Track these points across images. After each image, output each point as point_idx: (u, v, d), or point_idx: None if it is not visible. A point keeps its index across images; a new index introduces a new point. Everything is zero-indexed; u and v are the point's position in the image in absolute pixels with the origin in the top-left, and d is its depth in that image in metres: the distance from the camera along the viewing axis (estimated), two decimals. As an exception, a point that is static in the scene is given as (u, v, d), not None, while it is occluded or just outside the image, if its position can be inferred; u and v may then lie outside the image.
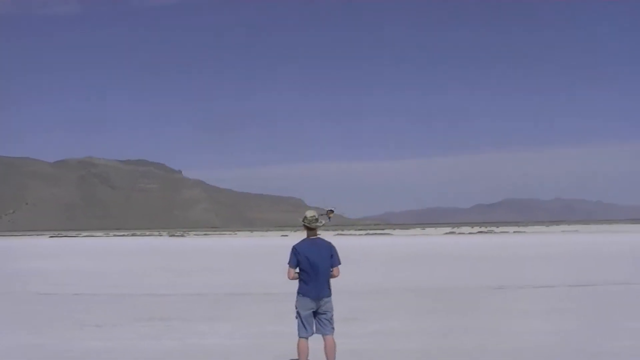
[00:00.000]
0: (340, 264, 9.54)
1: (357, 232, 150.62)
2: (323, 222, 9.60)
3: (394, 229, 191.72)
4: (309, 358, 9.77)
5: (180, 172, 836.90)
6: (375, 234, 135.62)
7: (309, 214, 9.53)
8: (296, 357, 9.54)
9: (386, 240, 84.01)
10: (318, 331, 9.42)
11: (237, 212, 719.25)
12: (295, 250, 9.37)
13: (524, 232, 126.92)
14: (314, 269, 9.26)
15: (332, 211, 25.95)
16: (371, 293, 21.13)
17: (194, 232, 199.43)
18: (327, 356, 9.36)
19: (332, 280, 9.58)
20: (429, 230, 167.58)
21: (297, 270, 9.37)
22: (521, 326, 13.73)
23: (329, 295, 9.43)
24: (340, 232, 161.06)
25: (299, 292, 9.39)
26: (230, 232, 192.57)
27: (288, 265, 9.39)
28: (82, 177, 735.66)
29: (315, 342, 9.59)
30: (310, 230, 9.49)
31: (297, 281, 9.45)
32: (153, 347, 12.23)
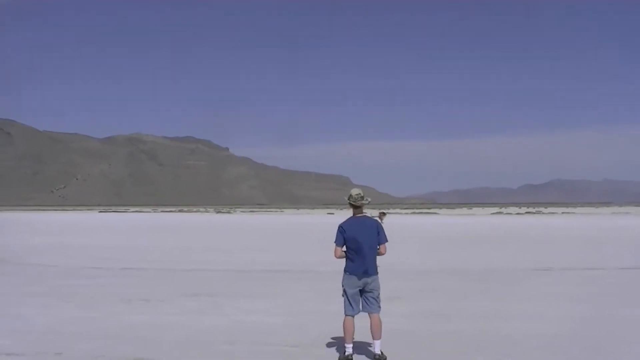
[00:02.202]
0: (387, 241, 9.49)
1: (403, 211, 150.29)
2: (369, 199, 9.55)
3: (440, 208, 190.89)
4: (354, 336, 9.79)
5: (227, 149, 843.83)
6: (421, 212, 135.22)
7: (354, 192, 9.47)
8: (342, 335, 9.54)
9: (432, 220, 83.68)
10: (364, 309, 9.38)
11: (283, 189, 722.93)
12: (341, 229, 9.33)
13: (573, 213, 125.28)
14: (360, 247, 9.22)
15: (384, 214, 25.99)
16: (413, 273, 21.05)
17: (241, 209, 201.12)
18: (372, 334, 9.33)
19: (378, 258, 9.55)
20: (475, 210, 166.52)
21: (344, 248, 9.34)
22: (563, 310, 13.49)
23: (376, 273, 9.38)
24: (385, 210, 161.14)
25: (345, 270, 9.36)
26: (276, 209, 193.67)
27: (335, 243, 9.35)
28: (130, 154, 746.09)
29: (361, 320, 9.58)
30: (356, 208, 9.44)
31: (343, 260, 9.42)
32: (197, 323, 12.33)
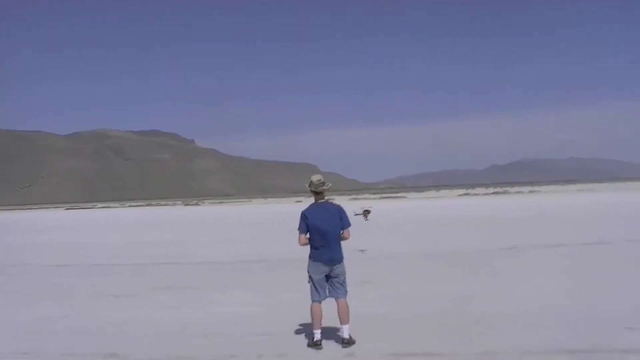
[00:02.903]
0: (350, 225, 9.64)
1: (372, 196, 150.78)
2: (329, 184, 9.67)
3: (409, 192, 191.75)
4: (322, 321, 9.95)
5: (193, 141, 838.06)
6: (390, 197, 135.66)
7: (315, 178, 9.59)
8: (310, 322, 9.70)
9: (400, 204, 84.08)
10: (331, 294, 9.56)
11: (251, 180, 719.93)
12: (304, 216, 9.46)
13: (539, 191, 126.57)
14: (323, 233, 9.35)
15: (368, 211, 25.65)
16: (383, 257, 21.25)
17: (209, 201, 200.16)
18: (340, 319, 9.50)
19: (344, 243, 9.70)
20: (443, 192, 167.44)
21: (308, 235, 9.47)
22: (531, 288, 13.78)
23: (341, 259, 9.54)
24: (354, 196, 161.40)
25: (310, 257, 9.51)
26: (245, 200, 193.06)
27: (298, 231, 9.49)
28: (96, 150, 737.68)
29: (329, 306, 9.74)
30: (318, 194, 9.58)
31: (308, 247, 9.57)
32: (170, 316, 12.41)
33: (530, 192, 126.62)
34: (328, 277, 9.51)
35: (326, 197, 9.73)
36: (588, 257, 18.91)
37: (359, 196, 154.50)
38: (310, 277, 9.52)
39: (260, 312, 12.43)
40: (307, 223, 9.42)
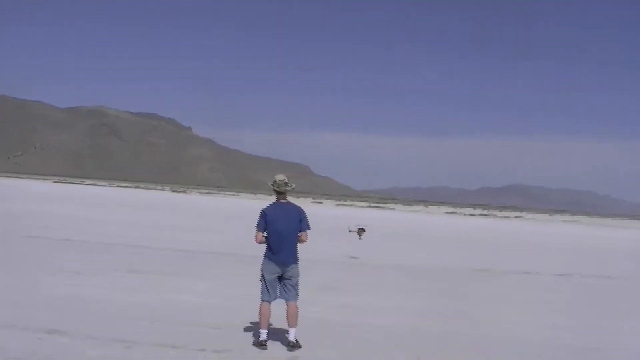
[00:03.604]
0: (309, 229, 9.50)
1: (359, 204, 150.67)
2: (293, 185, 9.57)
3: (397, 204, 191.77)
4: (272, 322, 9.84)
5: (190, 129, 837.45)
6: (377, 207, 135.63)
7: (278, 177, 9.49)
8: (257, 321, 9.60)
9: (386, 215, 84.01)
10: (282, 296, 9.44)
11: (243, 173, 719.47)
12: (263, 214, 9.35)
13: (525, 218, 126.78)
14: (280, 233, 9.24)
15: (363, 230, 25.68)
16: (353, 265, 21.18)
17: (197, 190, 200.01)
18: (288, 322, 9.36)
19: (305, 247, 9.61)
20: (431, 208, 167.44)
21: (265, 233, 9.37)
22: (494, 313, 13.70)
23: (296, 261, 9.41)
24: (342, 202, 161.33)
25: (265, 256, 9.39)
26: (233, 193, 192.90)
27: (256, 228, 9.38)
28: (92, 126, 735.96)
29: (281, 307, 9.63)
30: (280, 194, 9.47)
31: (264, 245, 9.46)
32: (126, 298, 12.28)
33: (517, 217, 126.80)
34: (281, 279, 9.39)
35: (288, 198, 9.63)
36: (552, 289, 18.84)
37: (345, 202, 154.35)
38: (262, 275, 9.40)
39: (215, 304, 12.31)
40: (265, 221, 9.32)
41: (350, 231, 25.39)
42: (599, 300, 17.04)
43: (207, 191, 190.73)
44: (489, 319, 12.77)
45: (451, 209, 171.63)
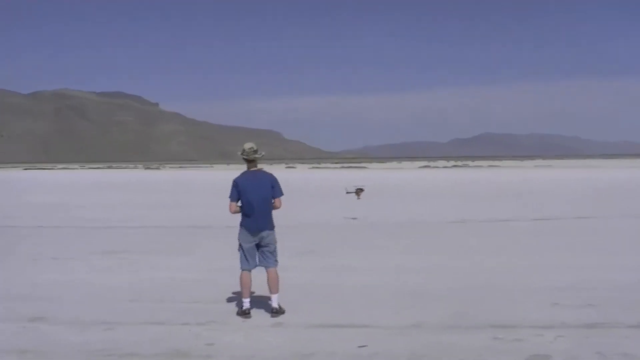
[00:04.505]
0: (282, 195, 9.50)
1: (333, 166, 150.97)
2: (262, 153, 9.50)
3: (371, 162, 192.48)
4: (254, 291, 9.83)
5: (157, 104, 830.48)
6: (351, 167, 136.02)
7: (247, 146, 9.40)
8: (238, 290, 9.60)
9: (359, 174, 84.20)
10: (261, 263, 9.44)
11: (214, 145, 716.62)
12: (235, 184, 9.31)
13: (498, 166, 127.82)
14: (253, 201, 9.22)
15: (362, 190, 25.64)
16: (333, 227, 21.24)
17: (170, 165, 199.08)
18: (270, 289, 9.38)
19: (280, 212, 9.62)
20: (405, 164, 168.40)
21: (239, 203, 9.33)
22: (470, 263, 13.78)
23: (271, 228, 9.40)
24: (316, 165, 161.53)
25: (241, 225, 9.38)
26: (206, 165, 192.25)
27: (229, 198, 9.34)
28: (57, 110, 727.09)
29: (262, 275, 9.61)
30: (250, 162, 9.40)
31: (239, 215, 9.42)
32: (105, 280, 12.17)
33: (490, 166, 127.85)
34: (258, 246, 9.38)
35: (259, 166, 9.55)
36: (532, 233, 19.03)
37: (319, 165, 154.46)
38: (240, 245, 9.38)
39: (195, 279, 12.25)
40: (238, 190, 9.27)
41: (347, 192, 25.37)
42: (575, 239, 17.20)
43: (179, 166, 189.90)
44: (468, 270, 12.84)
45: (425, 163, 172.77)
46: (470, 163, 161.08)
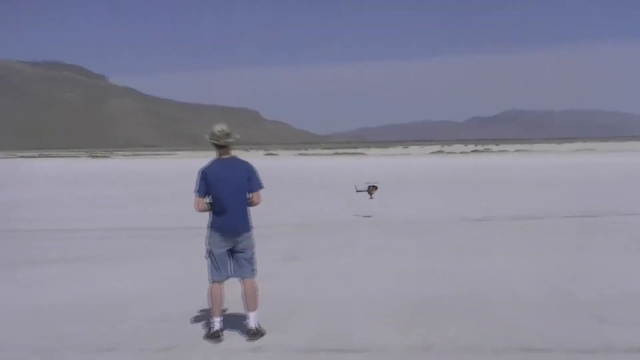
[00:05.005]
0: (262, 187, 9.38)
1: (323, 152, 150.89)
2: (237, 137, 9.37)
3: (370, 148, 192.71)
4: (226, 307, 9.75)
5: (105, 77, 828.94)
6: (345, 153, 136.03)
7: (217, 128, 9.26)
8: (208, 307, 9.52)
9: (357, 162, 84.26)
10: (236, 274, 9.35)
11: (180, 127, 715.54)
12: (203, 174, 9.17)
13: (528, 150, 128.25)
14: (226, 196, 9.11)
15: (375, 187, 26.06)
16: (323, 227, 21.30)
17: (122, 153, 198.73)
18: (246, 304, 9.28)
19: (261, 210, 9.59)
20: (413, 149, 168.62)
21: (208, 199, 9.22)
22: (496, 268, 13.75)
23: (248, 229, 9.31)
24: (303, 151, 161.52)
25: (210, 226, 9.26)
26: (169, 152, 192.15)
27: (195, 193, 9.19)
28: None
29: (234, 287, 9.56)
30: (221, 148, 9.28)
31: (208, 213, 9.32)
32: (46, 297, 12.03)
33: (518, 151, 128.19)
34: (232, 252, 9.29)
35: (233, 153, 9.45)
36: (570, 233, 19.02)
37: (307, 151, 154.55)
38: (209, 251, 9.27)
39: (155, 292, 12.19)
40: (206, 183, 9.15)
41: (358, 191, 25.58)
42: (626, 239, 17.18)
43: (134, 153, 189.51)
44: (490, 278, 12.80)
45: (437, 147, 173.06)
46: (493, 147, 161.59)
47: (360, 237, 18.80)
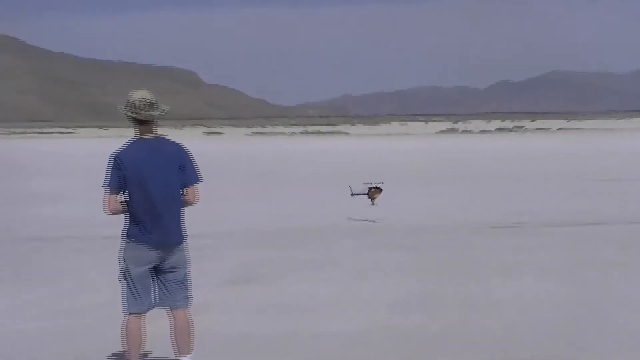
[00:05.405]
0: (199, 181, 9.31)
1: (288, 130, 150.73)
2: (165, 108, 9.32)
3: (354, 124, 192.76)
4: (147, 347, 9.65)
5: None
6: (320, 132, 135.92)
7: (137, 96, 9.13)
8: (122, 350, 9.48)
9: (335, 145, 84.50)
10: (162, 302, 9.29)
11: (83, 94, 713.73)
12: (116, 163, 9.04)
13: (577, 128, 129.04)
14: (150, 193, 9.06)
15: (379, 189, 26.46)
16: (288, 236, 21.48)
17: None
18: (177, 345, 9.22)
19: (196, 213, 9.52)
20: (414, 126, 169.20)
21: (122, 197, 9.17)
22: (524, 294, 13.83)
23: (181, 239, 9.26)
24: (259, 129, 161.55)
25: (127, 236, 9.17)
26: (63, 129, 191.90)
27: (105, 188, 9.10)
28: None
29: (160, 319, 9.55)
30: (142, 124, 9.21)
31: (123, 216, 9.28)
32: None
33: (561, 129, 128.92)
34: (158, 272, 9.25)
35: (159, 132, 9.40)
36: (628, 244, 19.20)
37: (265, 129, 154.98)
38: (125, 271, 9.20)
39: (45, 327, 12.13)
40: (121, 175, 9.08)
41: (353, 194, 25.74)
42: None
43: (12, 131, 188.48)
44: (514, 305, 12.91)
45: (448, 124, 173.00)
46: (527, 124, 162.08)
47: (340, 251, 18.87)
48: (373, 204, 24.57)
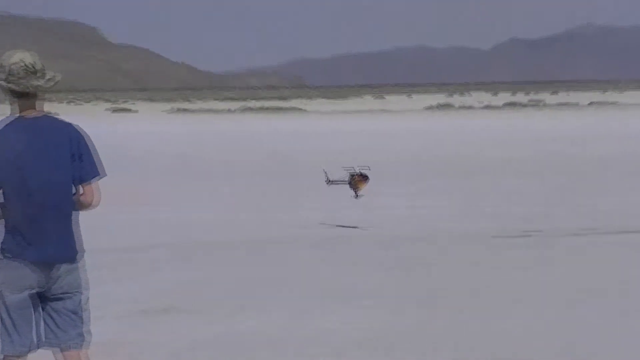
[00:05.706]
0: (99, 175, 9.27)
1: (222, 106, 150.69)
2: (56, 76, 9.28)
3: (311, 98, 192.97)
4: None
5: None
6: (265, 108, 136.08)
7: (14, 59, 9.12)
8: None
9: (285, 125, 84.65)
10: (49, 341, 9.32)
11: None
12: (-15, 149, 9.12)
13: (616, 103, 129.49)
14: (31, 191, 9.07)
15: (364, 177, 26.39)
16: (226, 248, 21.59)
17: None
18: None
19: (95, 217, 9.56)
20: (392, 100, 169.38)
21: (-4, 198, 9.20)
22: (523, 326, 14.00)
23: (73, 254, 9.25)
24: (184, 104, 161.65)
25: (1, 249, 9.21)
26: None
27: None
28: None
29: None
30: (22, 98, 9.20)
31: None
32: None
33: (593, 103, 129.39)
34: (43, 300, 9.27)
35: (46, 109, 9.41)
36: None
37: (192, 105, 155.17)
38: (-2, 297, 9.26)
39: None
40: (-7, 166, 9.10)
41: (330, 182, 25.61)
42: None
43: None
44: (521, 335, 13.07)
45: (441, 97, 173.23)
46: (547, 97, 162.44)
47: (297, 268, 19.03)
48: (357, 196, 24.49)
